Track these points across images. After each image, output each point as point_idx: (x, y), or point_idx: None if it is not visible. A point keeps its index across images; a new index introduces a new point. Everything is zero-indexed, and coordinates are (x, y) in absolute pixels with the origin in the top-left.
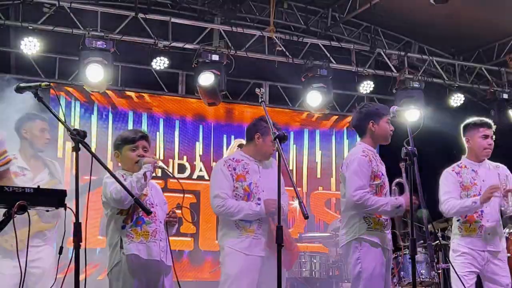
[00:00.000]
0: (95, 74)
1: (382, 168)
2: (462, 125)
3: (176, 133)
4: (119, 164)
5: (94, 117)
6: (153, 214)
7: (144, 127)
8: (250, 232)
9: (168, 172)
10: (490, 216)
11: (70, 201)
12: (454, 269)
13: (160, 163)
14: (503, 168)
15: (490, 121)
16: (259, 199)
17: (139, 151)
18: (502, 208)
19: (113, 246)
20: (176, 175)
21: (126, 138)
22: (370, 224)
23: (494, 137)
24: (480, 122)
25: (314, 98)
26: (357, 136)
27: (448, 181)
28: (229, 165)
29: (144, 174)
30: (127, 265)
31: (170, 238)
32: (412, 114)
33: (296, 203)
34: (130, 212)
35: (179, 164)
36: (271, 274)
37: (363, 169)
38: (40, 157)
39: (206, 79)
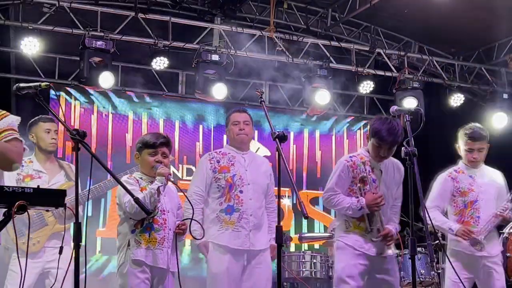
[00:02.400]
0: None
1: (377, 175)
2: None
3: (176, 133)
4: (139, 166)
5: (94, 117)
6: (163, 221)
7: (144, 127)
8: (230, 224)
9: (178, 188)
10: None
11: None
12: (454, 270)
13: (172, 178)
14: (500, 175)
15: (478, 133)
16: (241, 191)
17: (157, 157)
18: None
19: (121, 247)
20: (185, 177)
21: (147, 142)
22: (348, 227)
23: (485, 147)
24: (467, 135)
25: (316, 98)
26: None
27: (439, 187)
28: (212, 158)
29: (158, 189)
30: (133, 268)
31: None
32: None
33: (284, 201)
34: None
35: (187, 169)
36: (258, 274)
37: (340, 173)
38: (55, 160)
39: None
